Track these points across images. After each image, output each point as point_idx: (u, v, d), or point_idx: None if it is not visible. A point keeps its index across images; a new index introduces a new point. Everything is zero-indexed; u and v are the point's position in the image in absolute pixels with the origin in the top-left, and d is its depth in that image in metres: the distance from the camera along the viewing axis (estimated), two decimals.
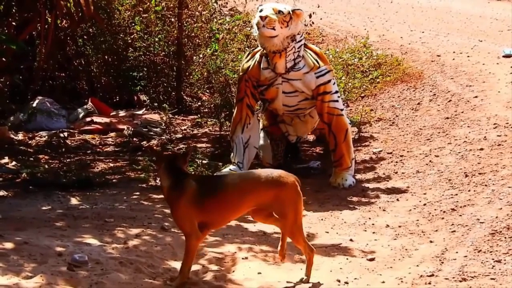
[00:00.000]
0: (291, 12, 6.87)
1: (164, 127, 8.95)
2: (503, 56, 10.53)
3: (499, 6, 15.82)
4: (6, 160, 7.53)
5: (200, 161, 7.43)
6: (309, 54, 7.12)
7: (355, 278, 4.80)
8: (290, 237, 4.69)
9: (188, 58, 10.01)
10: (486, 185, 6.40)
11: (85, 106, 9.46)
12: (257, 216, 4.75)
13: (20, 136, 8.63)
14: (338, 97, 7.27)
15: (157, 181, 6.98)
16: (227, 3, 10.91)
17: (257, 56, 7.21)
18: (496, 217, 5.62)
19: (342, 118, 7.16)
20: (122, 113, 9.56)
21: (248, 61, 7.28)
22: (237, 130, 7.27)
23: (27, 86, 9.65)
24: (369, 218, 6.09)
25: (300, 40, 7.04)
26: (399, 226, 5.82)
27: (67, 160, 7.73)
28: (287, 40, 6.91)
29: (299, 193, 4.58)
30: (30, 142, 8.46)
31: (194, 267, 4.77)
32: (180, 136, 8.78)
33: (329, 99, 7.10)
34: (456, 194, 6.35)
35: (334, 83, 7.25)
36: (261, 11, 6.89)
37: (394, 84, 10.14)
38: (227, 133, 8.17)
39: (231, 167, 7.11)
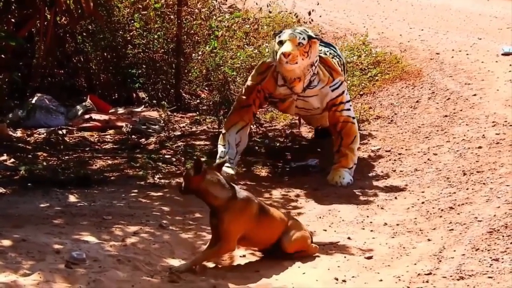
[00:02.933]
0: (309, 41, 6.87)
1: (163, 124, 8.94)
2: (502, 54, 10.52)
3: (498, 4, 15.81)
4: (4, 157, 7.52)
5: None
6: (321, 68, 7.12)
7: (353, 276, 4.80)
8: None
9: (187, 55, 9.98)
10: (484, 184, 6.41)
11: (83, 103, 9.44)
12: None
13: (18, 133, 8.62)
14: (350, 105, 7.37)
15: (156, 179, 6.98)
16: (226, 0, 10.89)
17: (272, 68, 7.17)
18: (494, 215, 5.63)
19: (354, 126, 7.23)
20: (120, 110, 9.55)
21: (262, 72, 7.24)
22: (232, 129, 7.26)
23: (26, 83, 9.62)
24: (367, 216, 6.09)
25: (316, 61, 7.04)
26: (397, 224, 5.83)
27: (66, 157, 7.71)
28: (307, 68, 6.94)
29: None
30: (28, 139, 8.45)
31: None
32: (179, 133, 8.77)
33: (343, 109, 7.18)
34: (454, 193, 6.35)
35: (347, 93, 7.34)
36: (280, 42, 6.86)
37: (393, 82, 10.14)
38: None
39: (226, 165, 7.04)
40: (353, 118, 7.29)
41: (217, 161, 5.28)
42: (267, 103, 7.40)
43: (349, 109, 7.26)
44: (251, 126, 7.94)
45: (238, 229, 4.83)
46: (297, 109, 7.30)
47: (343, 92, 7.20)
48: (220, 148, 7.26)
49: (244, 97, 7.36)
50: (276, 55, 6.90)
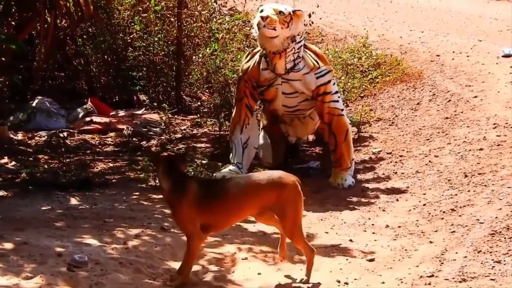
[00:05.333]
0: (291, 13, 6.87)
1: (164, 127, 8.95)
2: (503, 56, 10.52)
3: (498, 6, 15.83)
4: (5, 160, 7.52)
5: (200, 161, 7.43)
6: (308, 54, 7.12)
7: (355, 279, 4.80)
8: (289, 238, 4.71)
9: (188, 58, 10.00)
10: (485, 185, 6.41)
11: (84, 106, 9.45)
12: (259, 218, 4.82)
13: (19, 136, 8.62)
14: (339, 97, 7.28)
15: (157, 181, 6.97)
16: (226, 2, 10.90)
17: (257, 56, 7.21)
18: (496, 217, 5.62)
19: (343, 118, 7.16)
20: (121, 113, 9.55)
21: (247, 61, 7.28)
22: (236, 131, 7.28)
23: (26, 86, 9.63)
24: (369, 219, 6.09)
25: (300, 41, 7.04)
26: (399, 227, 5.83)
27: (67, 160, 7.71)
28: (287, 41, 6.91)
29: (299, 193, 4.62)
30: (29, 142, 8.45)
31: (194, 268, 4.77)
32: (180, 136, 8.77)
33: (330, 100, 7.10)
34: (456, 195, 6.35)
35: (334, 83, 7.25)
36: (261, 11, 6.88)
37: (394, 84, 10.14)
38: (226, 133, 8.17)
39: (231, 167, 7.11)
40: (342, 110, 7.21)
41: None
42: (258, 94, 7.32)
43: (336, 101, 7.16)
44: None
45: (189, 221, 4.46)
46: (284, 98, 7.15)
47: (329, 81, 7.10)
48: (231, 154, 7.28)
49: (236, 92, 7.42)
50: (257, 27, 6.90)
